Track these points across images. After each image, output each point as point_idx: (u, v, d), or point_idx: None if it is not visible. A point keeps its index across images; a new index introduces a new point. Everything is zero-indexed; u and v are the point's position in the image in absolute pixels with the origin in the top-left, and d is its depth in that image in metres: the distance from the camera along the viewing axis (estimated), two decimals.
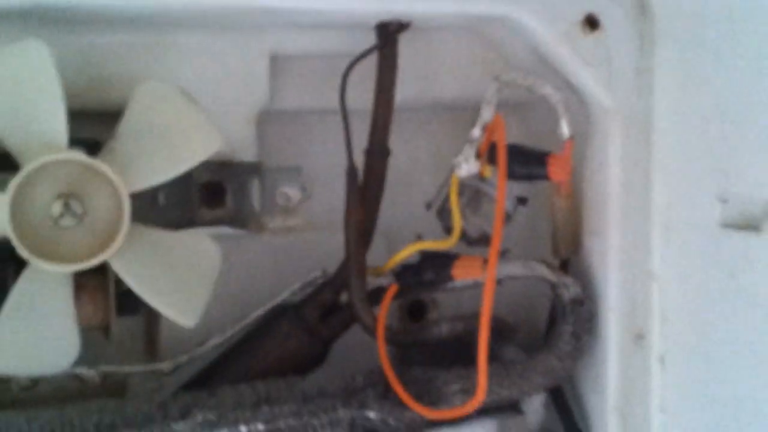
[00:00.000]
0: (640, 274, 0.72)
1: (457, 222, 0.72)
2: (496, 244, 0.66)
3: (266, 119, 0.78)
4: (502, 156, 0.67)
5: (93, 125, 0.67)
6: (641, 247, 0.71)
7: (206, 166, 0.67)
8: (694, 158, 0.67)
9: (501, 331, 0.77)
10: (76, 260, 0.61)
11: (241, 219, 0.74)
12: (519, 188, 0.75)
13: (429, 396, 0.71)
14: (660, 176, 0.70)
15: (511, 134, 0.70)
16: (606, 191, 0.74)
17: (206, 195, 0.73)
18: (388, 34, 0.72)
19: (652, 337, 0.72)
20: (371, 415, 0.69)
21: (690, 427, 0.70)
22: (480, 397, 0.67)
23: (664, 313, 0.71)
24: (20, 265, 0.62)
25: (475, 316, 0.66)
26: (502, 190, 0.67)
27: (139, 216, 0.63)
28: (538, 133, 0.82)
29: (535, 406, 0.76)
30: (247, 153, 0.74)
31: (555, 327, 0.76)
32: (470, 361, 0.67)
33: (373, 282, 0.75)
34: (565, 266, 0.76)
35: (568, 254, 0.77)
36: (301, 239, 0.80)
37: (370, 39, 0.73)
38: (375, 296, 0.74)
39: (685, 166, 0.68)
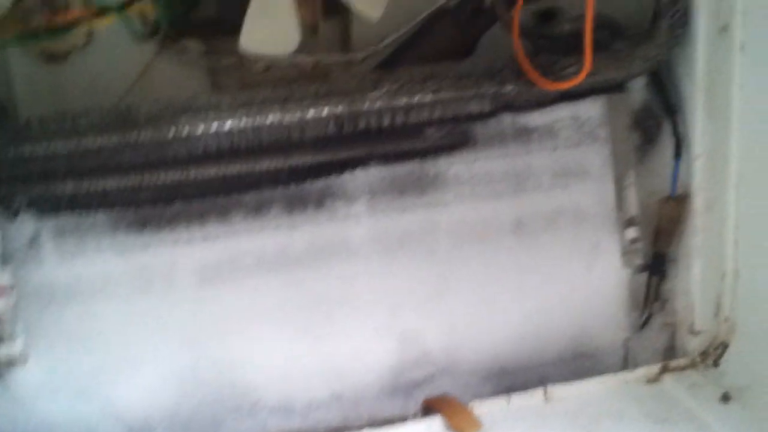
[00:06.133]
0: None
1: None
2: None
3: None
4: None
5: None
6: None
7: None
8: None
9: (613, 29, 0.96)
10: None
11: None
12: None
13: (551, 75, 0.90)
14: None
15: None
16: None
17: None
18: None
19: (734, 29, 0.88)
20: (508, 89, 0.89)
21: (762, 96, 0.85)
22: (587, 68, 0.85)
23: (745, 9, 0.86)
24: None
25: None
26: None
27: None
28: None
29: (638, 86, 0.95)
30: None
31: (655, 23, 0.92)
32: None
33: None
34: None
35: None
36: None
37: None
38: (511, 0, 0.91)
39: None
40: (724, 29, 0.88)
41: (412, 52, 0.97)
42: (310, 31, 0.94)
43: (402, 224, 0.93)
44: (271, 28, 0.88)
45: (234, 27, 0.87)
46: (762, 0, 0.85)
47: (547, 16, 1.01)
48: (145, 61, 0.95)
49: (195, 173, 0.87)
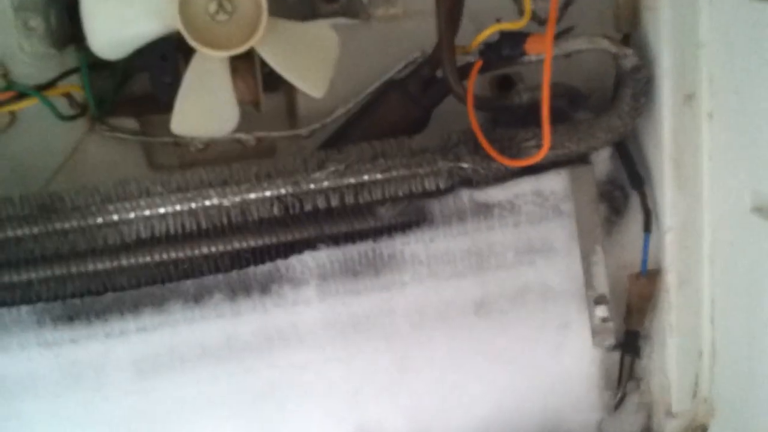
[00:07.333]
0: (690, 42, 0.83)
1: (528, 4, 0.86)
2: (552, 19, 0.81)
3: None
4: None
5: None
6: (690, 18, 0.83)
7: None
8: None
9: (574, 97, 0.93)
10: (231, 47, 0.79)
11: (353, 10, 0.93)
12: None
13: (510, 150, 0.87)
14: None
15: None
16: None
17: None
18: None
19: (701, 97, 0.86)
20: (464, 165, 0.87)
21: (732, 166, 0.83)
22: (546, 146, 0.82)
23: (712, 76, 0.83)
24: (187, 54, 0.81)
25: (550, 86, 0.79)
26: None
27: (274, 11, 0.80)
28: None
29: (603, 157, 0.91)
30: None
31: (618, 91, 0.89)
32: None
33: (462, 59, 0.87)
34: (626, 39, 0.89)
35: (628, 29, 0.90)
36: (403, 25, 0.94)
37: None
38: (464, 71, 0.88)
39: None
40: (690, 98, 0.86)
41: (363, 125, 0.93)
42: (252, 106, 0.89)
43: (356, 308, 0.87)
44: (205, 109, 0.83)
45: (169, 104, 0.82)
46: (728, 67, 0.82)
47: (506, 83, 0.98)
48: (75, 140, 0.90)
49: (127, 261, 0.81)
